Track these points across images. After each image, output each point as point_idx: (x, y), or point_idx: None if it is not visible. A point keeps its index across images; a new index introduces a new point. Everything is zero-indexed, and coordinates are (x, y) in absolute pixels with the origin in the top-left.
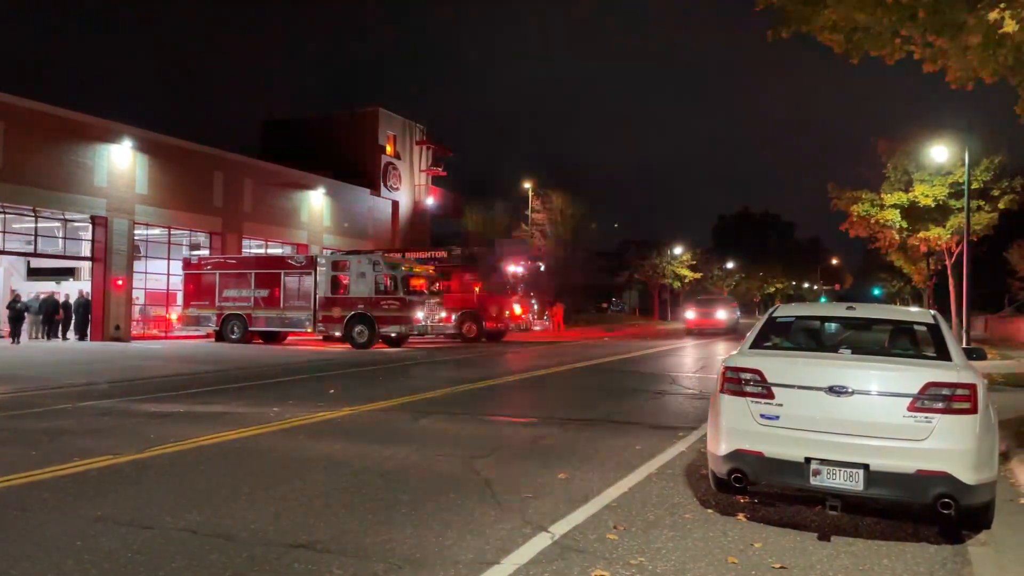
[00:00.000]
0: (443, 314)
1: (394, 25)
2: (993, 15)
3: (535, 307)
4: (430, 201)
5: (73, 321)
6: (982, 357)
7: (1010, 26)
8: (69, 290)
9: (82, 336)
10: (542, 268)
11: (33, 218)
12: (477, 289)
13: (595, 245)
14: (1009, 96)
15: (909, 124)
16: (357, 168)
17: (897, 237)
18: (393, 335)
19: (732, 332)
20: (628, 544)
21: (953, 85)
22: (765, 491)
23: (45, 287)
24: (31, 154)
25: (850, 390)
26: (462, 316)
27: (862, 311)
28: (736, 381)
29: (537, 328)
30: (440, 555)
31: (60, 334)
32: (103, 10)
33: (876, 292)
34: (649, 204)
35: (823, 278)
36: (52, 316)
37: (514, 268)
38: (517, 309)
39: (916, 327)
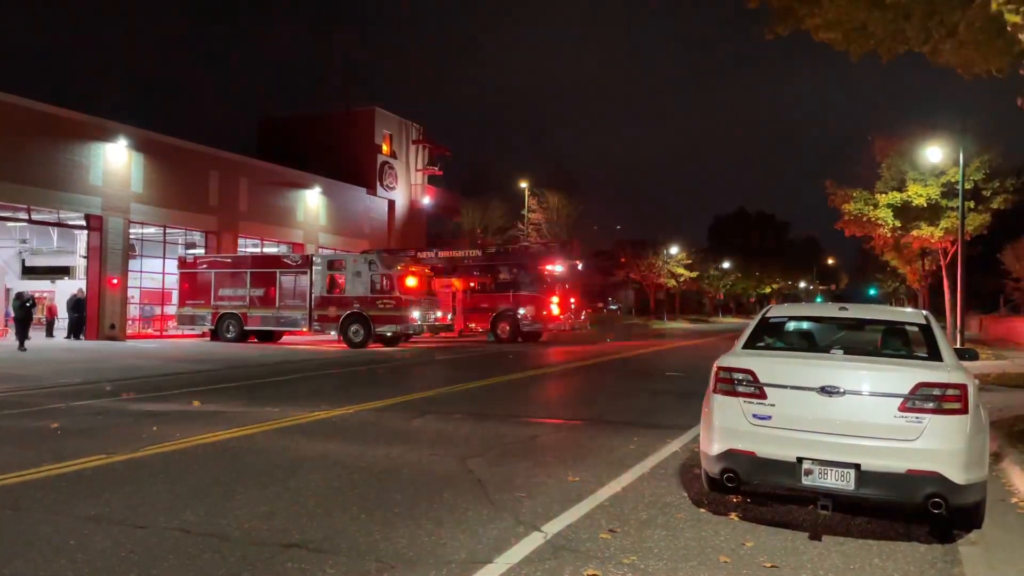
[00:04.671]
0: (439, 313)
1: (390, 22)
2: (994, 6)
3: (574, 307)
4: (426, 200)
5: (68, 320)
6: (974, 357)
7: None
8: (63, 289)
9: (77, 335)
10: (580, 267)
11: (27, 217)
12: (491, 285)
13: (590, 244)
14: (1006, 89)
15: (906, 122)
16: (353, 167)
17: (889, 236)
18: (389, 334)
19: None
20: (620, 543)
21: (967, 77)
22: (757, 491)
23: (40, 286)
24: (25, 152)
25: (842, 390)
26: (497, 316)
27: (854, 311)
28: (728, 381)
29: (571, 329)
30: (433, 554)
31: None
32: (98, 7)
33: (872, 292)
34: (645, 203)
35: (819, 278)
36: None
37: (551, 267)
38: (555, 309)
39: (908, 327)
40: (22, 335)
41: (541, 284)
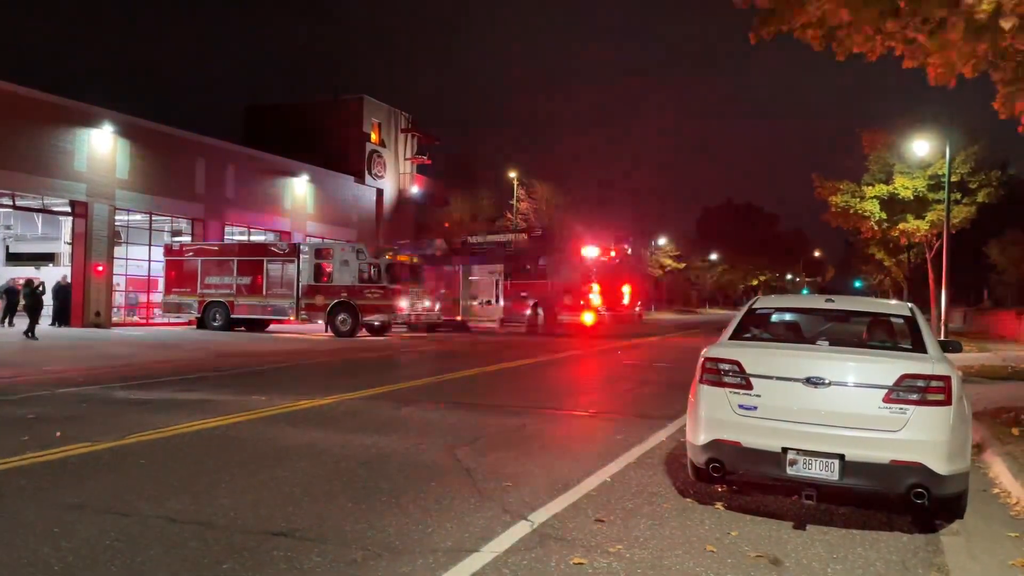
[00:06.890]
0: (427, 303)
1: (380, 12)
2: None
3: (629, 295)
4: (415, 189)
5: (52, 307)
6: (958, 349)
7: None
8: (48, 276)
9: (62, 322)
10: (629, 251)
11: (11, 203)
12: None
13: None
14: (988, 91)
15: (894, 117)
16: (341, 156)
17: (876, 228)
18: (376, 324)
19: None
20: (607, 532)
21: (933, 82)
22: (743, 480)
23: (25, 272)
24: (8, 137)
25: (827, 381)
26: (535, 304)
27: (840, 303)
28: (715, 371)
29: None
30: (420, 542)
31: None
32: None
33: (857, 284)
34: (634, 195)
35: (806, 270)
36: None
37: (594, 253)
38: (595, 299)
39: (893, 319)
40: (12, 318)
41: (584, 271)
